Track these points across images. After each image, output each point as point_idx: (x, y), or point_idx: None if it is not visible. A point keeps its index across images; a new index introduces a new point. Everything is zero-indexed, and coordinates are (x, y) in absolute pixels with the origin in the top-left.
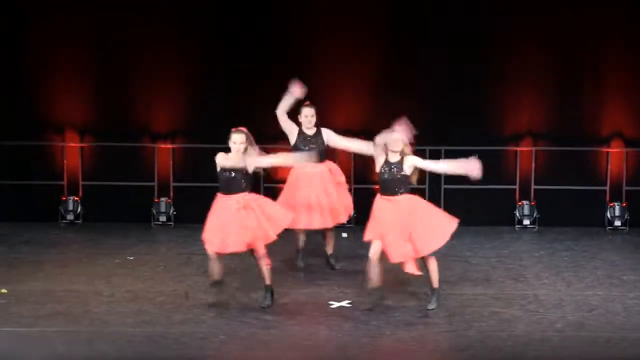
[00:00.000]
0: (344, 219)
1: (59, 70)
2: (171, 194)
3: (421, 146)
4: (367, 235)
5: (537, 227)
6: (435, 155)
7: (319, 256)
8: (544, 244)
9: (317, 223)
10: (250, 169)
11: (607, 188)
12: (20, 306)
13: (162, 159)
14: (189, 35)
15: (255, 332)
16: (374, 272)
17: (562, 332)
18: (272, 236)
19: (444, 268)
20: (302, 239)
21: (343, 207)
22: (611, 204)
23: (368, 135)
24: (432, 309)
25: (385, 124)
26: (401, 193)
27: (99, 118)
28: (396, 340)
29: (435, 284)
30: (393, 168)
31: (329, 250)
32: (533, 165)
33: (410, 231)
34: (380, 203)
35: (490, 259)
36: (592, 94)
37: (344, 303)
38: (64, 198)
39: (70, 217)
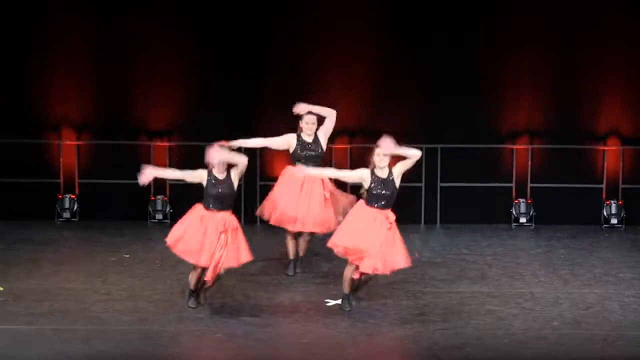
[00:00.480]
0: (322, 231)
1: (55, 68)
2: (167, 192)
3: (418, 144)
4: (345, 242)
5: (533, 225)
6: (431, 153)
7: (314, 255)
8: (540, 242)
9: (298, 227)
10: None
11: (604, 186)
12: (17, 304)
13: (158, 157)
14: (186, 33)
15: (252, 331)
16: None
17: (559, 330)
18: (233, 264)
19: (441, 266)
20: (292, 248)
21: (327, 218)
22: (608, 202)
23: (365, 133)
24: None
25: (383, 123)
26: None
27: (95, 116)
28: (393, 337)
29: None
30: (387, 184)
31: (300, 251)
32: (529, 163)
33: (387, 246)
34: (369, 213)
35: (486, 256)
36: (589, 92)
37: (340, 301)
38: (60, 196)
39: (66, 215)
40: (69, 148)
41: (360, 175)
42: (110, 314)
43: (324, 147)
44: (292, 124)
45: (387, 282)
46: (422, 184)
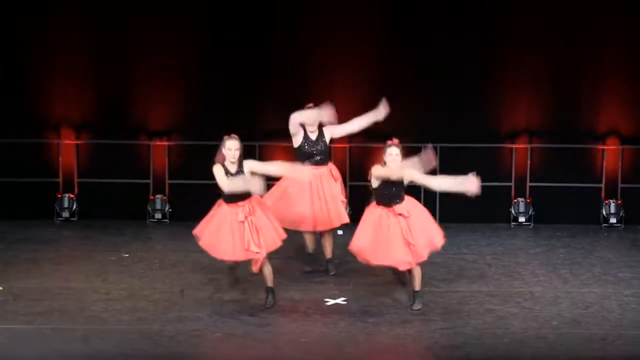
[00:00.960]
0: (336, 224)
1: (55, 68)
2: (167, 191)
3: (417, 144)
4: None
5: (532, 225)
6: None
7: (316, 253)
8: (539, 241)
9: (305, 226)
10: (246, 172)
11: (603, 185)
12: (16, 304)
13: (157, 156)
14: (186, 33)
15: (251, 330)
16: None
17: (558, 330)
18: (262, 254)
19: (440, 265)
20: (309, 243)
21: (336, 214)
22: (607, 202)
23: (365, 133)
24: (418, 309)
25: (381, 123)
26: (398, 202)
27: (94, 115)
28: (392, 337)
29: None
30: (394, 184)
31: (327, 254)
32: (529, 162)
33: (410, 237)
34: (378, 213)
35: (486, 256)
36: (589, 92)
37: (340, 300)
38: (59, 195)
39: (65, 214)
40: (68, 147)
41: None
42: (109, 314)
43: (328, 142)
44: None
45: (387, 281)
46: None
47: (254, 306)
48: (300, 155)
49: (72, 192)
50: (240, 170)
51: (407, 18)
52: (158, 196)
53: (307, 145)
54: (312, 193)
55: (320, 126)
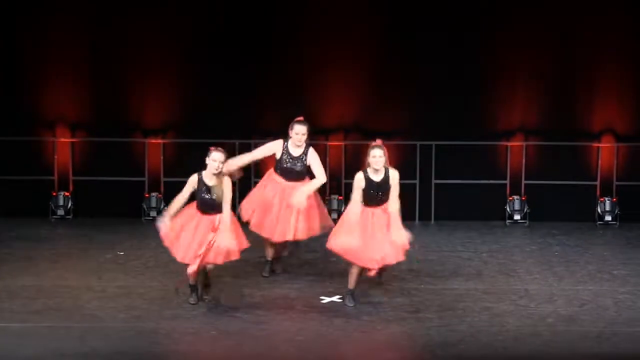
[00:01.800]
0: (302, 237)
1: (50, 66)
2: (162, 189)
3: (412, 141)
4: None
5: (527, 222)
6: (426, 150)
7: (312, 251)
8: (535, 239)
9: (277, 236)
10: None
11: (598, 183)
12: (11, 302)
13: (152, 154)
14: (181, 31)
15: (246, 328)
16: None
17: (553, 327)
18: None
19: (436, 263)
20: (270, 251)
21: (307, 227)
22: (602, 199)
23: (360, 131)
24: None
25: (377, 121)
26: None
27: (89, 113)
28: (388, 335)
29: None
30: (381, 186)
31: (271, 254)
32: (524, 160)
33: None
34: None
35: (481, 253)
36: (584, 90)
37: (335, 298)
38: (54, 193)
39: (60, 212)
40: (63, 145)
41: (359, 185)
42: (105, 311)
43: (308, 162)
44: (286, 123)
45: (384, 280)
46: (417, 181)
47: (249, 304)
48: (277, 168)
49: (68, 190)
50: (214, 186)
51: (404, 17)
52: (153, 194)
53: (287, 159)
54: (281, 202)
55: (308, 144)
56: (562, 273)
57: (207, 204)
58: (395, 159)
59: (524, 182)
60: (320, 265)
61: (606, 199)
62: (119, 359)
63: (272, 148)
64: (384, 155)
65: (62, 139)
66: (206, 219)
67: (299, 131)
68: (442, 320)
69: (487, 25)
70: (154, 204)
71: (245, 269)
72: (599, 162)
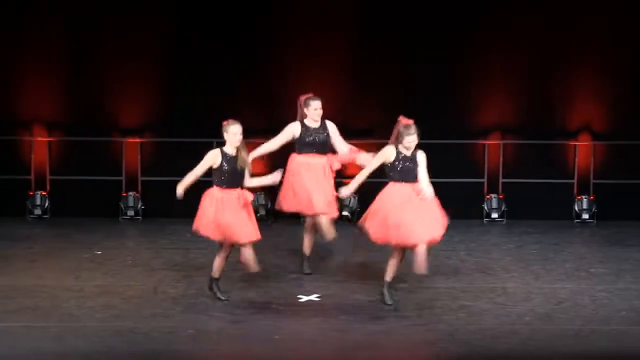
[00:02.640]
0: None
1: (27, 65)
2: (139, 188)
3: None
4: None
5: (505, 221)
6: None
7: (289, 250)
8: (512, 237)
9: (320, 207)
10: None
11: (575, 181)
12: None
13: (130, 153)
14: (158, 30)
15: (224, 327)
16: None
17: (531, 325)
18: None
19: (413, 262)
20: (307, 243)
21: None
22: (579, 197)
23: (340, 129)
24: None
25: (357, 119)
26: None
27: (66, 112)
28: (365, 333)
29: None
30: (412, 160)
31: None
32: (501, 159)
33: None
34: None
35: (459, 252)
36: (561, 88)
37: (313, 297)
38: (31, 193)
39: (37, 211)
40: (40, 145)
41: (386, 155)
42: (82, 311)
43: (330, 134)
44: (266, 121)
45: (361, 277)
46: None
47: (227, 303)
48: (301, 145)
49: (45, 190)
50: (236, 156)
51: (383, 17)
52: (131, 193)
53: (307, 135)
54: (310, 176)
55: (323, 118)
56: (539, 271)
57: (236, 173)
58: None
59: (501, 180)
60: (297, 264)
61: (583, 197)
62: (97, 359)
63: (290, 131)
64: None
65: (39, 138)
66: (230, 195)
67: (317, 106)
68: (420, 319)
69: (465, 25)
70: (131, 203)
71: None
72: (576, 160)
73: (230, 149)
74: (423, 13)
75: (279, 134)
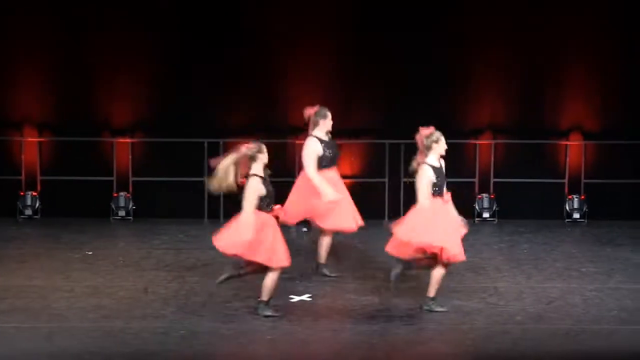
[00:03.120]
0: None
1: (17, 65)
2: (130, 188)
3: (382, 140)
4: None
5: (496, 220)
6: (395, 149)
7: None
8: (503, 237)
9: (346, 224)
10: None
11: (566, 181)
12: None
13: (120, 153)
14: (148, 31)
15: (216, 327)
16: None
17: (522, 325)
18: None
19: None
20: (323, 253)
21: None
22: (570, 197)
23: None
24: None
25: (347, 120)
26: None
27: (57, 113)
28: (358, 333)
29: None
30: (441, 170)
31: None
32: (492, 158)
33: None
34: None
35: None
36: (552, 88)
37: (305, 297)
38: (22, 193)
39: (28, 212)
40: (30, 145)
41: (429, 179)
42: (73, 311)
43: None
44: (253, 122)
45: (353, 278)
46: (386, 180)
47: (218, 304)
48: (323, 162)
49: (35, 190)
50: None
51: (373, 16)
52: (121, 193)
53: (327, 150)
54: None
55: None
56: (530, 271)
57: (273, 195)
58: (364, 158)
59: (492, 180)
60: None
61: (574, 196)
62: (87, 359)
63: (314, 149)
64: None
65: (30, 139)
66: (271, 217)
67: (331, 116)
68: (412, 318)
69: (455, 24)
70: (122, 204)
71: (213, 267)
72: (567, 160)
73: (262, 170)
74: (413, 13)
75: (306, 157)
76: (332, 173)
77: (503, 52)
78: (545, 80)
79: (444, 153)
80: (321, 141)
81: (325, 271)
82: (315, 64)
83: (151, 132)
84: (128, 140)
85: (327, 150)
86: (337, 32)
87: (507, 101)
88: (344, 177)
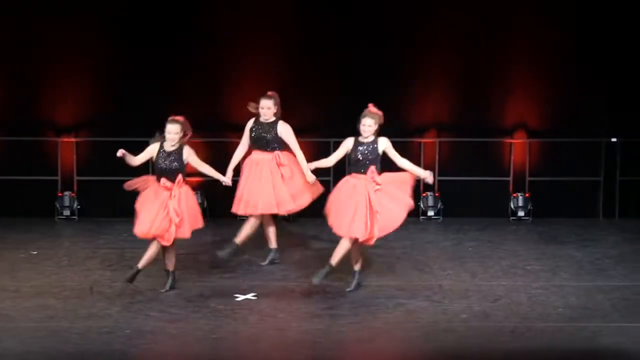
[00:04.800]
0: (282, 211)
1: None
2: (75, 187)
3: (328, 138)
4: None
5: (441, 218)
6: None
7: (225, 249)
8: (448, 235)
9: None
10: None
11: (511, 179)
12: None
13: (65, 153)
14: (94, 28)
15: (161, 326)
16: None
17: (467, 323)
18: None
19: (349, 260)
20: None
21: (288, 196)
22: (515, 195)
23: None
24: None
25: (294, 118)
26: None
27: (0, 113)
28: (303, 332)
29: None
30: (367, 149)
31: (271, 244)
32: (437, 156)
33: (376, 210)
34: (350, 181)
35: (395, 250)
36: (496, 86)
37: (250, 296)
38: None
39: None
40: None
41: (346, 147)
42: (18, 311)
43: (279, 133)
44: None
45: (296, 276)
46: (331, 178)
47: (163, 302)
48: (252, 142)
49: None
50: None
51: (322, 15)
52: (66, 193)
53: (255, 131)
54: (255, 175)
55: (279, 117)
56: (475, 269)
57: (166, 170)
58: (309, 156)
59: (437, 178)
60: (233, 262)
61: (519, 194)
62: (32, 359)
63: (247, 129)
64: (373, 125)
65: None
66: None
67: (263, 105)
68: (356, 317)
69: (402, 23)
70: (67, 203)
71: (158, 265)
72: (512, 157)
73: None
74: (360, 13)
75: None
76: (258, 155)
77: (447, 50)
78: (490, 78)
79: (363, 133)
80: (257, 122)
81: (275, 256)
82: (263, 61)
83: (96, 131)
84: (73, 139)
85: (255, 132)
86: (287, 32)
87: (451, 99)
88: None
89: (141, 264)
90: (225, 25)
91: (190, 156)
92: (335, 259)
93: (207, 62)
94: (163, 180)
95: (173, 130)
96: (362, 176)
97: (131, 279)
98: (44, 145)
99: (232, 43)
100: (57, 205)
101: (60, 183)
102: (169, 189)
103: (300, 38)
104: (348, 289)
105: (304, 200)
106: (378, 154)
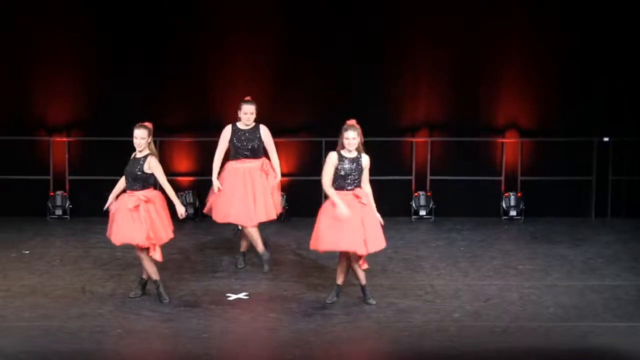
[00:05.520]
0: (264, 219)
1: None
2: (67, 187)
3: (317, 137)
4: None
5: (433, 218)
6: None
7: (216, 248)
8: (440, 235)
9: (241, 219)
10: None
11: (503, 178)
12: None
13: (57, 152)
14: (87, 27)
15: (153, 326)
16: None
17: (459, 322)
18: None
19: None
20: (244, 242)
21: (269, 206)
22: (506, 194)
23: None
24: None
25: (283, 117)
26: (355, 187)
27: None
28: (295, 331)
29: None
30: (351, 166)
31: (242, 247)
32: (429, 156)
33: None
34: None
35: (386, 249)
36: (488, 85)
37: (242, 295)
38: None
39: None
40: None
41: (333, 162)
42: (10, 311)
43: (263, 138)
44: (189, 120)
45: (290, 276)
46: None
47: (155, 302)
48: (232, 149)
49: None
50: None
51: (308, 16)
52: (58, 192)
53: (237, 138)
54: (236, 184)
55: (257, 122)
56: (467, 268)
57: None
58: (300, 156)
59: (429, 177)
60: (224, 262)
61: (511, 194)
62: (23, 359)
63: (224, 135)
64: (357, 137)
65: None
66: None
67: (247, 110)
68: (348, 316)
69: (391, 22)
70: (59, 203)
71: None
72: (504, 157)
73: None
74: (348, 10)
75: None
76: (241, 164)
77: (439, 50)
78: (481, 77)
79: (348, 146)
80: (236, 130)
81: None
82: (251, 62)
83: (88, 131)
84: (65, 139)
85: (237, 140)
86: (274, 30)
87: (443, 98)
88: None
89: (145, 274)
90: (215, 24)
91: (154, 169)
92: (340, 278)
93: (197, 61)
94: (129, 192)
95: (139, 135)
96: (348, 193)
97: (142, 290)
98: (36, 144)
99: (221, 42)
100: (49, 205)
101: (52, 182)
102: (137, 202)
103: (291, 37)
104: (328, 301)
105: (272, 214)
106: (362, 169)
